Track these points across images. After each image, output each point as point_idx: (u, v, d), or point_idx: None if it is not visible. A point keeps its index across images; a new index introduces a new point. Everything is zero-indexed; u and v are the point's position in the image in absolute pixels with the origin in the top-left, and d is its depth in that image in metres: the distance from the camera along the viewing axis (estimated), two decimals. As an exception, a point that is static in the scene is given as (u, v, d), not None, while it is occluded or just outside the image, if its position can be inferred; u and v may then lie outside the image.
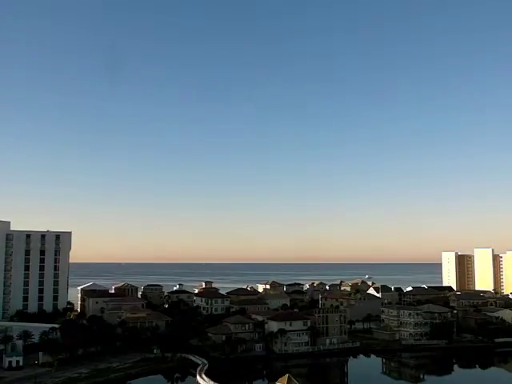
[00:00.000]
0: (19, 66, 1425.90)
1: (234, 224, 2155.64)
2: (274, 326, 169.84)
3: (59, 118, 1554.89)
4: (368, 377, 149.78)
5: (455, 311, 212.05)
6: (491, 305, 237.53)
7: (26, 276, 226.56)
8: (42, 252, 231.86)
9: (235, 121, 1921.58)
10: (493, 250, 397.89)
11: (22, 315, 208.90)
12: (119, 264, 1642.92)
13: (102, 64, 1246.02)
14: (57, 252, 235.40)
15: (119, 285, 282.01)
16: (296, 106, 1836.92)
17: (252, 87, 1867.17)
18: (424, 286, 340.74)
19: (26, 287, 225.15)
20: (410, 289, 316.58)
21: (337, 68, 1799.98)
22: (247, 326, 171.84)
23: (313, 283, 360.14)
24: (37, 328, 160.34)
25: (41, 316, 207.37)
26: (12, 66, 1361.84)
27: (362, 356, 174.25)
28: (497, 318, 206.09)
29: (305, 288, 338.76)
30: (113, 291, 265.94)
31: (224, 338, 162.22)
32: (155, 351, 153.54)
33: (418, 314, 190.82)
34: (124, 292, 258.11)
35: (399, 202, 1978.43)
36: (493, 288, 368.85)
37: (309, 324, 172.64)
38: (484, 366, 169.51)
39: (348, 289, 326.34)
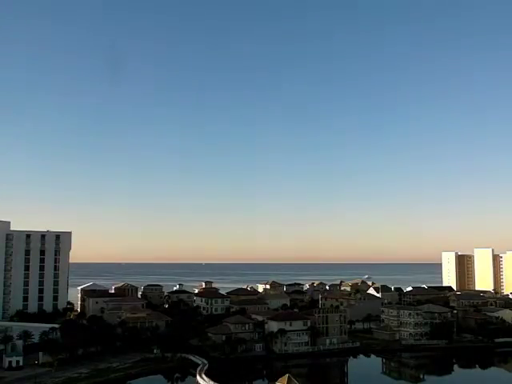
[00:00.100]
0: (19, 67, 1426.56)
1: (234, 224, 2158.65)
2: (273, 325, 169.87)
3: (59, 119, 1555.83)
4: (368, 377, 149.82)
5: (455, 311, 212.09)
6: (491, 305, 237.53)
7: (26, 276, 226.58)
8: (42, 252, 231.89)
9: (235, 122, 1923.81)
10: (493, 250, 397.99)
11: (22, 315, 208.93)
12: (119, 264, 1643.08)
13: (102, 64, 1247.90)
14: (57, 252, 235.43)
15: (119, 285, 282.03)
16: (296, 108, 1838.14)
17: (252, 88, 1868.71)
18: (424, 286, 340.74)
19: (26, 287, 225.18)
20: (409, 289, 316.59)
21: (337, 70, 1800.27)
22: (247, 325, 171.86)
23: (313, 283, 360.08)
24: (37, 328, 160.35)
25: (41, 316, 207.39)
26: (12, 66, 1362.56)
27: (362, 356, 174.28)
28: (497, 317, 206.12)
29: (305, 288, 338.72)
30: (113, 291, 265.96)
31: (224, 337, 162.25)
32: (155, 351, 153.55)
33: (418, 314, 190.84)
34: (124, 292, 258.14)
35: (399, 202, 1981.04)
36: (493, 288, 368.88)
37: (309, 324, 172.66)
38: (484, 366, 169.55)
39: (348, 289, 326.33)
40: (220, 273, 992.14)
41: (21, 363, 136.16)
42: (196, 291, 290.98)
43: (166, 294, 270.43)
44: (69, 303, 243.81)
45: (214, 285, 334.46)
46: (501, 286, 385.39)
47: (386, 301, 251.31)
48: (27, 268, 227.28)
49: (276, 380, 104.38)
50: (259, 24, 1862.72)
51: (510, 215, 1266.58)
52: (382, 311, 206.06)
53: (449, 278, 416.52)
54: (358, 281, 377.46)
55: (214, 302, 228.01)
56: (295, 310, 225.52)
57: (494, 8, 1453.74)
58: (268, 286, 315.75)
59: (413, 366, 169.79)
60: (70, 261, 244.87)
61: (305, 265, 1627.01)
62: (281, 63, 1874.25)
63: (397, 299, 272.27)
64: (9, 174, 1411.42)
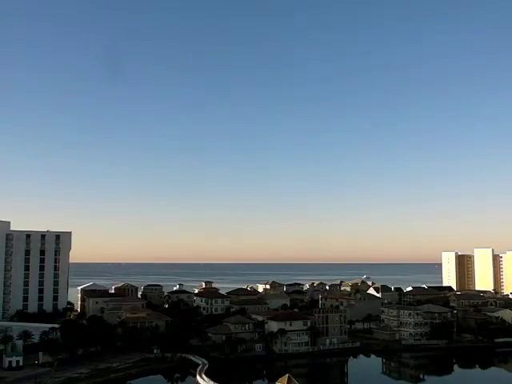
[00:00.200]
0: (19, 66, 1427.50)
1: (234, 224, 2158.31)
2: (273, 325, 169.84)
3: (59, 118, 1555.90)
4: (368, 377, 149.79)
5: (455, 311, 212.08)
6: (491, 305, 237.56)
7: (26, 276, 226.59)
8: (42, 252, 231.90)
9: (235, 121, 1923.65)
10: (493, 250, 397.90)
11: (22, 315, 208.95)
12: (119, 264, 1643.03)
13: (102, 64, 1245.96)
14: (57, 252, 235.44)
15: (119, 285, 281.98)
16: (296, 107, 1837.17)
17: (252, 87, 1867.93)
18: (424, 286, 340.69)
19: (26, 287, 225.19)
20: (410, 289, 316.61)
21: (337, 68, 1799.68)
22: (247, 325, 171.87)
23: (313, 283, 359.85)
24: (37, 328, 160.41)
25: (41, 316, 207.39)
26: (12, 65, 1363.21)
27: (362, 356, 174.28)
28: (497, 318, 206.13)
29: (305, 288, 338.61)
30: (113, 291, 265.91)
31: (224, 337, 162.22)
32: (155, 351, 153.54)
33: (418, 314, 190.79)
34: (124, 292, 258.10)
35: (399, 202, 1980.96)
36: (493, 288, 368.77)
37: (309, 324, 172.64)
38: (484, 366, 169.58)
39: (348, 289, 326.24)
40: (220, 273, 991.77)
41: (21, 363, 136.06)
42: (196, 291, 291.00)
43: (166, 293, 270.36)
44: (69, 303, 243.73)
45: (214, 285, 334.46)
46: (501, 286, 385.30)
47: (385, 301, 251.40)
48: (27, 268, 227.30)
49: (276, 380, 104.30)
50: (258, 21, 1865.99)
51: (510, 215, 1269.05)
52: (382, 311, 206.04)
53: (449, 278, 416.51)
54: (358, 281, 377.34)
55: (214, 301, 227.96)
56: (295, 310, 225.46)
57: (495, 5, 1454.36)
58: (268, 286, 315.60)
59: (413, 366, 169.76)
60: (70, 261, 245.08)
61: (305, 265, 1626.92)
62: (280, 61, 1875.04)
63: (397, 299, 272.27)
64: (9, 173, 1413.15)
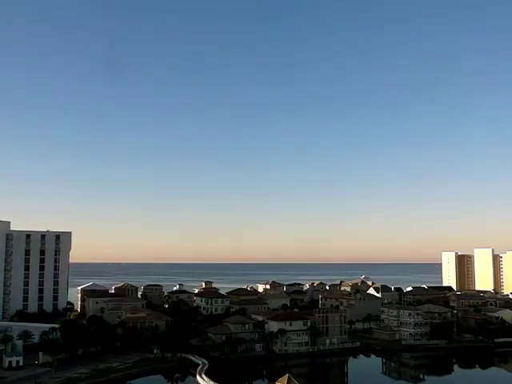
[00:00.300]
0: (19, 66, 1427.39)
1: (234, 224, 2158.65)
2: (273, 325, 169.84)
3: (59, 118, 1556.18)
4: (368, 377, 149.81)
5: (455, 311, 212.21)
6: (491, 305, 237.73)
7: (26, 276, 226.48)
8: (42, 252, 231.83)
9: (235, 121, 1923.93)
10: (493, 250, 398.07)
11: (22, 315, 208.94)
12: (119, 264, 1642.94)
13: (102, 64, 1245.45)
14: (57, 252, 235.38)
15: (119, 285, 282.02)
16: (296, 107, 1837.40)
17: (252, 88, 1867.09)
18: (424, 286, 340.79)
19: (26, 287, 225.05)
20: (410, 289, 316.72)
21: (337, 68, 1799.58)
22: (247, 325, 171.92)
23: (313, 283, 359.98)
24: (37, 328, 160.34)
25: (41, 316, 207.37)
26: (12, 66, 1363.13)
27: (362, 356, 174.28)
28: (497, 318, 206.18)
29: (305, 288, 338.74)
30: (113, 291, 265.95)
31: (224, 337, 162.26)
32: (155, 351, 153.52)
33: (418, 314, 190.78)
34: (124, 292, 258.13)
35: (399, 202, 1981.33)
36: (493, 288, 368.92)
37: (309, 324, 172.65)
38: (484, 366, 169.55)
39: (348, 289, 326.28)
40: (220, 273, 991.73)
41: (21, 363, 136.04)
42: (196, 291, 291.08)
43: (165, 293, 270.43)
44: (69, 303, 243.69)
45: (214, 285, 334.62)
46: (501, 286, 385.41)
47: (386, 301, 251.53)
48: (27, 268, 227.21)
49: (276, 380, 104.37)
50: (258, 22, 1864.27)
51: (510, 215, 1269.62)
52: (382, 311, 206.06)
53: (449, 278, 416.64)
54: (358, 281, 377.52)
55: (214, 301, 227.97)
56: (295, 309, 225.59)
57: (495, 5, 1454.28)
58: (268, 286, 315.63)
59: (413, 366, 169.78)
60: (70, 261, 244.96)
61: (305, 265, 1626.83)
62: (280, 61, 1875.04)
63: (397, 299, 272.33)
64: (9, 173, 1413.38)
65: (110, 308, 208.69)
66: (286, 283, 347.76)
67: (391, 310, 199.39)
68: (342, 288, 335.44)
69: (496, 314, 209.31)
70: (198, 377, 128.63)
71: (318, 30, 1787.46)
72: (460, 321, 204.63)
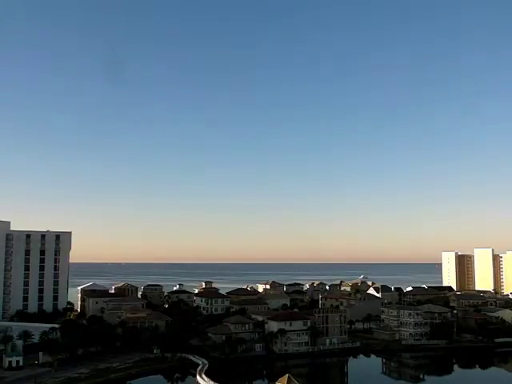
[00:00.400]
0: (19, 68, 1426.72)
1: (234, 224, 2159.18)
2: (274, 325, 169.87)
3: (59, 119, 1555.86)
4: (368, 377, 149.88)
5: (455, 311, 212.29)
6: (491, 305, 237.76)
7: (26, 276, 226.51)
8: (42, 252, 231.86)
9: (235, 123, 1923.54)
10: (493, 250, 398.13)
11: (22, 315, 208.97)
12: (119, 264, 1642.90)
13: (103, 65, 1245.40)
14: (57, 252, 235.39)
15: (119, 285, 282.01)
16: (296, 108, 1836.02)
17: (252, 89, 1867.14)
18: (424, 286, 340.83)
19: (26, 287, 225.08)
20: (410, 289, 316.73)
21: (336, 68, 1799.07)
22: (247, 325, 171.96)
23: (313, 283, 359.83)
24: (37, 328, 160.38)
25: (41, 316, 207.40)
26: (12, 67, 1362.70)
27: (362, 356, 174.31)
28: (497, 318, 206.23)
29: (305, 288, 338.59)
30: (113, 291, 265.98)
31: (224, 337, 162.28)
32: (155, 351, 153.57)
33: (418, 314, 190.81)
34: (124, 292, 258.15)
35: (399, 202, 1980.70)
36: (493, 288, 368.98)
37: (309, 324, 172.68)
38: (484, 366, 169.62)
39: (348, 289, 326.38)
40: (220, 273, 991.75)
41: (21, 363, 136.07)
42: (196, 291, 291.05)
43: (165, 293, 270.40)
44: (69, 303, 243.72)
45: (214, 285, 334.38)
46: (501, 286, 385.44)
47: (386, 301, 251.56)
48: (27, 268, 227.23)
49: (276, 380, 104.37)
50: (258, 23, 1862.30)
51: (510, 215, 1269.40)
52: (382, 311, 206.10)
53: (449, 278, 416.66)
54: (358, 281, 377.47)
55: (214, 301, 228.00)
56: (295, 309, 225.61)
57: (495, 6, 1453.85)
58: (268, 286, 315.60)
59: (413, 366, 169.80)
60: (70, 261, 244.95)
61: (305, 265, 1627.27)
62: (280, 62, 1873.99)
63: (397, 299, 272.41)
64: (9, 174, 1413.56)
65: (110, 308, 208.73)
66: (286, 283, 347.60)
67: (391, 310, 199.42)
68: (342, 288, 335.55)
69: (496, 314, 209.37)
70: (197, 377, 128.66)
71: (318, 30, 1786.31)
72: (460, 321, 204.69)
